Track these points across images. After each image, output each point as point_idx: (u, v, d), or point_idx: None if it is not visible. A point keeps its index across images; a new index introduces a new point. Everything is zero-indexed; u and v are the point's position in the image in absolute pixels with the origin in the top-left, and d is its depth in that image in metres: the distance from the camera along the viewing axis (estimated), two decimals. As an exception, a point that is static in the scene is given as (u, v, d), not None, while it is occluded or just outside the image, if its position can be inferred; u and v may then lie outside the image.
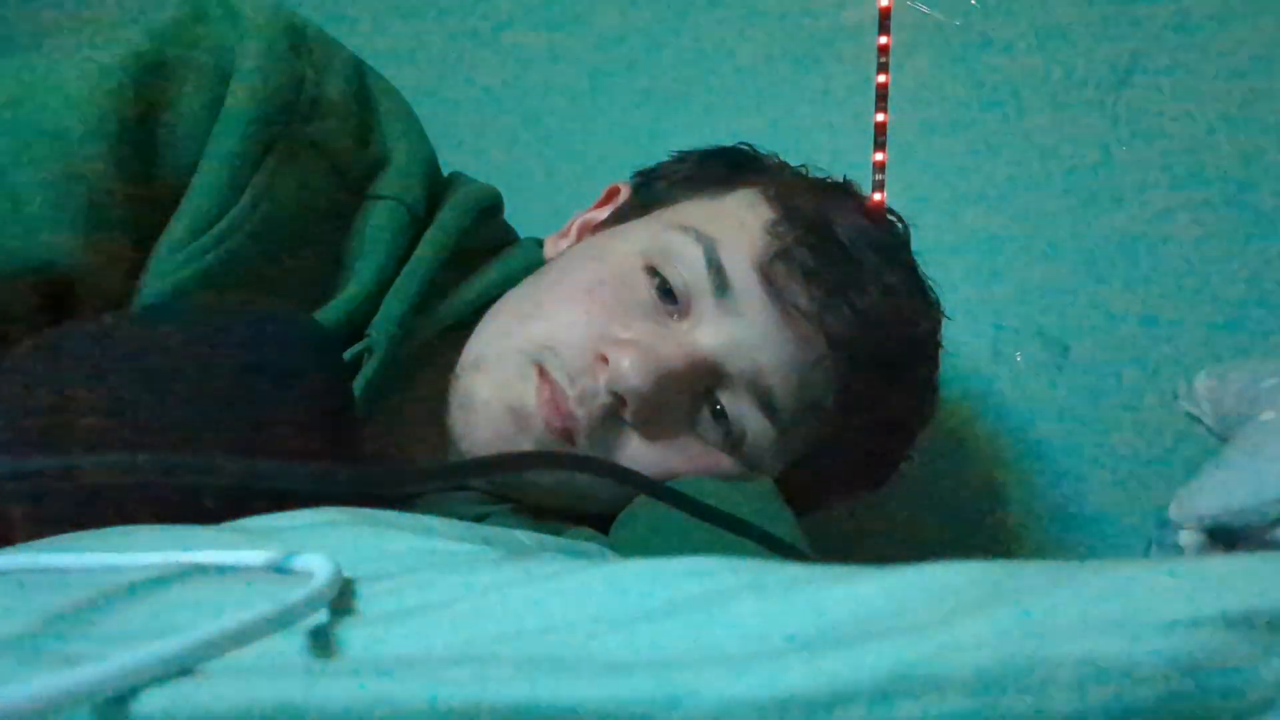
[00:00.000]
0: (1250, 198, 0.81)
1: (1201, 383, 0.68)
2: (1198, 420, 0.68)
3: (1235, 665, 0.17)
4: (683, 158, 0.66)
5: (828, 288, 0.55)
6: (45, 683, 0.19)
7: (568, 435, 0.54)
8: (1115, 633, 0.17)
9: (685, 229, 0.57)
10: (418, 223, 0.58)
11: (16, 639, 0.26)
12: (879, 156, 0.87)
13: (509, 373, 0.55)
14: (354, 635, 0.25)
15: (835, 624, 0.21)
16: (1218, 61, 0.82)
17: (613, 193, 0.67)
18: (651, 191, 0.64)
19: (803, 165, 0.66)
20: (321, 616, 0.26)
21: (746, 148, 0.67)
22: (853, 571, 0.23)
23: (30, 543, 0.36)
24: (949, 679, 0.18)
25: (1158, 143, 0.82)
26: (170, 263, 0.51)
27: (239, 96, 0.51)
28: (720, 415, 0.56)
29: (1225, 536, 0.59)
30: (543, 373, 0.55)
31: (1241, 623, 0.17)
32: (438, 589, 0.27)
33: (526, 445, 0.55)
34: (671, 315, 0.56)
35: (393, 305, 0.56)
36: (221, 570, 0.31)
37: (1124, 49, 0.84)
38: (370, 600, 0.28)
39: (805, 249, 0.56)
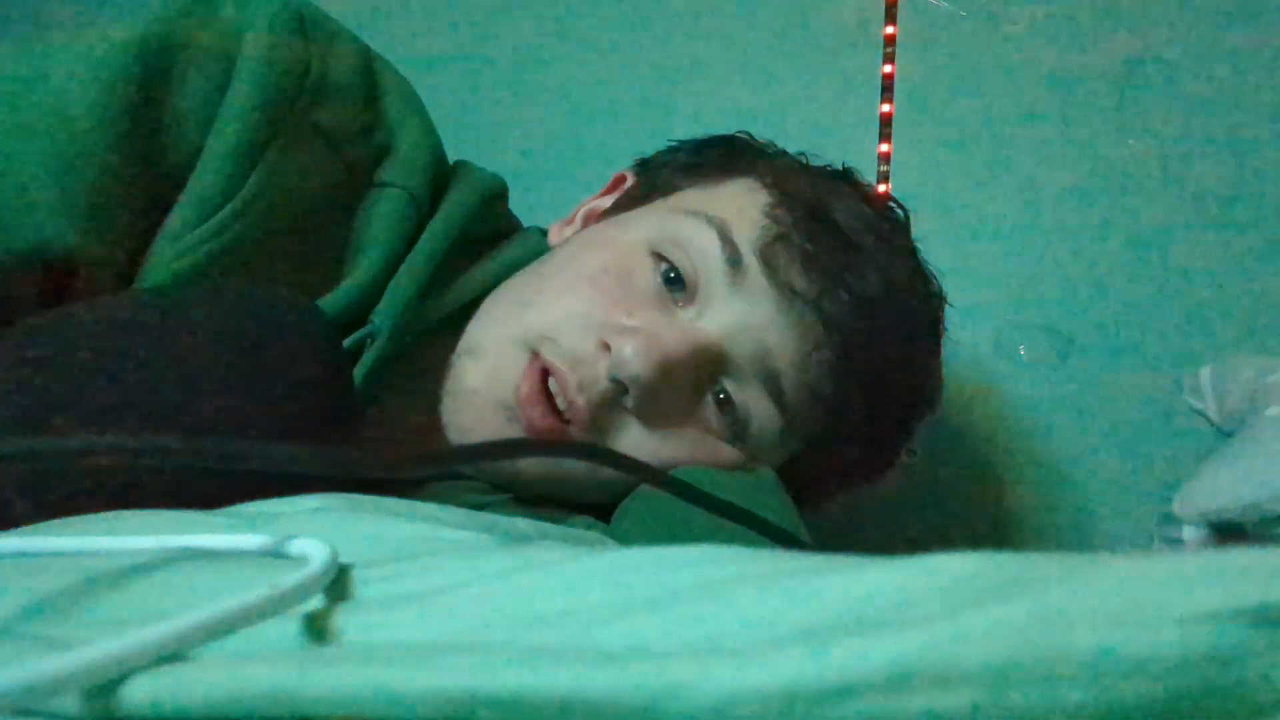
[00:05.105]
0: (1255, 193, 0.80)
1: (1206, 377, 0.68)
2: (1202, 415, 0.68)
3: (1253, 660, 0.17)
4: (680, 147, 0.66)
5: (827, 272, 0.55)
6: (34, 667, 0.19)
7: (553, 432, 0.54)
8: (1130, 625, 0.17)
9: (694, 214, 0.56)
10: (422, 210, 0.58)
11: (5, 622, 0.26)
12: (884, 147, 0.86)
13: (502, 362, 0.55)
14: (350, 621, 0.25)
15: (840, 614, 0.20)
16: (1223, 55, 0.81)
17: (619, 180, 0.67)
18: (652, 180, 0.64)
19: (801, 154, 0.65)
20: (317, 602, 0.26)
21: (744, 136, 0.66)
22: (858, 562, 0.22)
23: (22, 527, 0.36)
24: (958, 671, 0.17)
25: (1164, 134, 0.82)
26: (173, 249, 0.50)
27: (244, 81, 0.51)
28: (724, 403, 0.56)
29: (1229, 532, 0.58)
30: (533, 365, 0.54)
31: (1260, 617, 0.17)
32: (435, 576, 0.27)
33: (513, 434, 0.54)
34: (677, 303, 0.56)
35: (396, 293, 0.55)
36: (216, 554, 0.30)
37: (1130, 42, 0.83)
38: (367, 586, 0.27)
39: (804, 233, 0.55)
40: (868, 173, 0.79)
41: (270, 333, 0.47)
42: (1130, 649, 0.17)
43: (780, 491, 0.57)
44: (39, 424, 0.41)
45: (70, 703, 0.20)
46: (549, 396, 0.54)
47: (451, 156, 0.63)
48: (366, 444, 0.56)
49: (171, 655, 0.21)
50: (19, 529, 0.35)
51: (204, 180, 0.50)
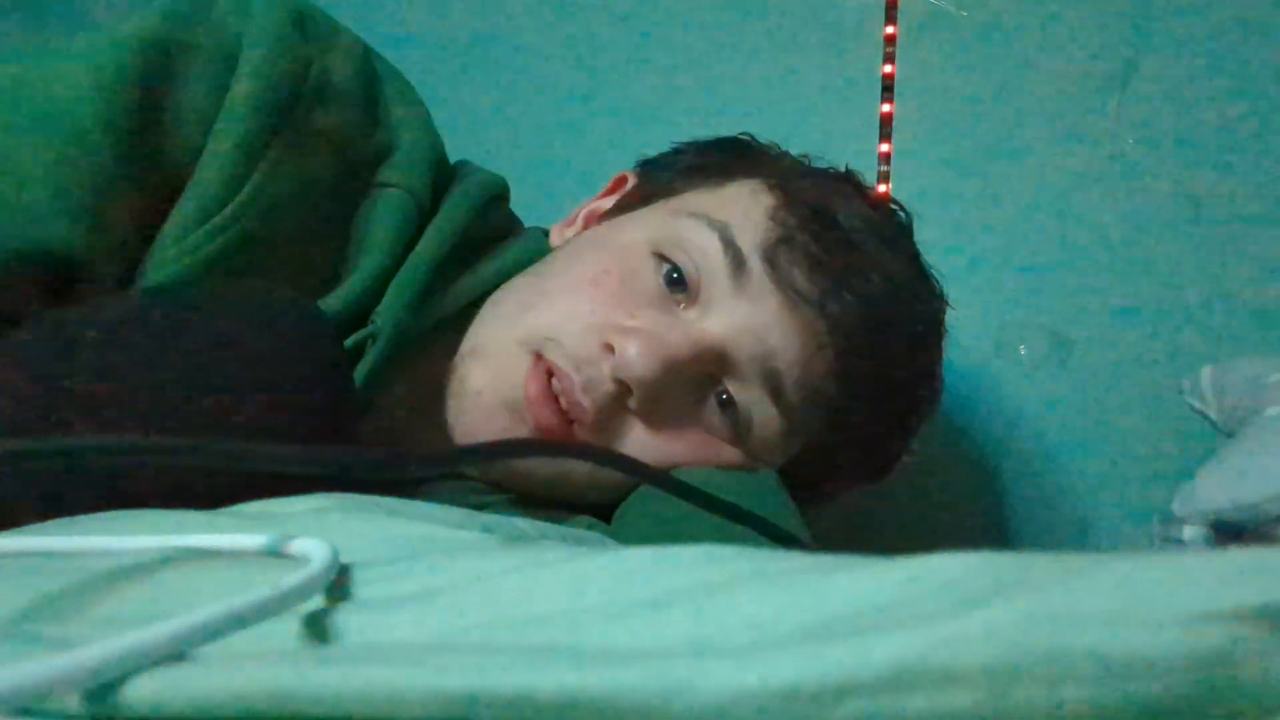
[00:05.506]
0: (1256, 192, 0.80)
1: (1207, 377, 0.67)
2: (1203, 415, 0.68)
3: (1255, 659, 0.17)
4: (683, 148, 0.66)
5: (830, 274, 0.55)
6: (34, 667, 0.19)
7: (559, 433, 0.54)
8: (1131, 625, 0.17)
9: (696, 215, 0.57)
10: (423, 211, 0.58)
11: (6, 622, 0.26)
12: (884, 147, 0.86)
13: (506, 363, 0.55)
14: (350, 621, 0.25)
15: (840, 614, 0.20)
16: (1223, 54, 0.81)
17: (620, 181, 0.67)
18: (655, 181, 0.64)
19: (804, 155, 0.65)
20: (317, 602, 0.26)
21: (747, 138, 0.66)
22: (858, 562, 0.22)
23: (23, 526, 0.36)
24: (958, 671, 0.17)
25: (1163, 135, 0.82)
26: (174, 250, 0.50)
27: (245, 81, 0.51)
28: (727, 404, 0.56)
29: (1229, 532, 0.58)
30: (538, 365, 0.54)
31: (1262, 616, 0.17)
32: (436, 575, 0.27)
33: (520, 435, 0.54)
34: (679, 304, 0.56)
35: (397, 294, 0.55)
36: (216, 554, 0.30)
37: (1130, 41, 0.83)
38: (367, 586, 0.27)
39: (808, 235, 0.55)
40: (868, 173, 0.79)
41: (271, 333, 0.47)
42: (1130, 649, 0.17)
43: (781, 492, 0.57)
44: (40, 424, 0.41)
45: (71, 703, 0.20)
46: (555, 397, 0.54)
47: (452, 156, 0.63)
48: (367, 444, 0.56)
49: (172, 655, 0.21)
50: (19, 529, 0.35)
51: (204, 181, 0.50)
